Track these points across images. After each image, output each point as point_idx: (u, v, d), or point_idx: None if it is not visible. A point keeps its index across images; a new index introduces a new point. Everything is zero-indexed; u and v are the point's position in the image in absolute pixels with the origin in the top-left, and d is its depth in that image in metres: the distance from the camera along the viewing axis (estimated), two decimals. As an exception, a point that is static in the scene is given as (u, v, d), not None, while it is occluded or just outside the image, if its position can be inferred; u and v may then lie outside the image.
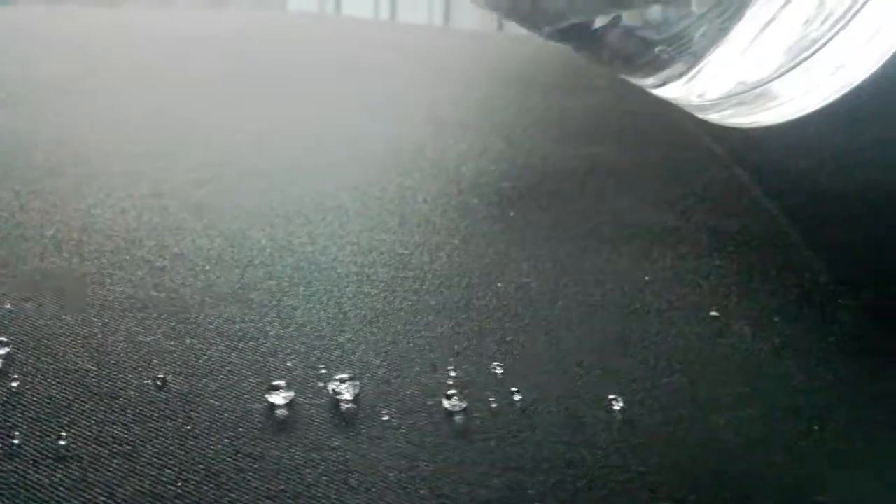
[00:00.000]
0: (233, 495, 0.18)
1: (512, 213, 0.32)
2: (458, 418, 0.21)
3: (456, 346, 0.24)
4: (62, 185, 0.32)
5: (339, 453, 0.20)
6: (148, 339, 0.23)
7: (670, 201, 0.33)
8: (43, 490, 0.18)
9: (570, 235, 0.30)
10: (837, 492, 0.19)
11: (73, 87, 0.44)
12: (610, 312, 0.26)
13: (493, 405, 0.21)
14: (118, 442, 0.19)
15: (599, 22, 0.29)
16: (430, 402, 0.21)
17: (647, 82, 0.31)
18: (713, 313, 0.26)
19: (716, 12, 0.27)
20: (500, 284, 0.27)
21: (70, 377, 0.21)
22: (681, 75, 0.29)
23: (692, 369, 0.23)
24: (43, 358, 0.22)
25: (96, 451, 0.19)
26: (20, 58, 0.49)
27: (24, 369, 0.22)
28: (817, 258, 0.29)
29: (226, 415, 0.20)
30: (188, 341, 0.23)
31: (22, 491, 0.18)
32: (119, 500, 0.18)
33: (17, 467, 0.19)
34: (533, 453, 0.20)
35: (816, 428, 0.21)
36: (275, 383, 0.21)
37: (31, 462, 0.19)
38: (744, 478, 0.20)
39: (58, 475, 0.19)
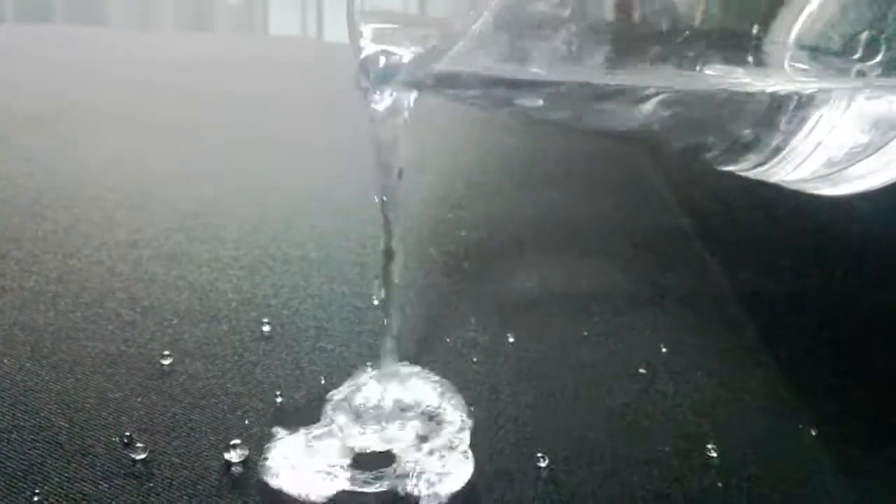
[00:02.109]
0: (189, 550, 0.20)
1: (466, 265, 0.34)
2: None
3: (402, 403, 0.26)
4: (42, 234, 0.34)
5: (287, 509, 0.22)
6: (116, 396, 0.25)
7: (615, 252, 0.36)
8: (17, 545, 0.20)
9: (518, 287, 0.33)
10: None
11: (58, 123, 0.45)
12: (546, 368, 0.28)
13: (431, 462, 0.23)
14: (87, 499, 0.21)
15: None
16: (373, 459, 0.23)
17: (729, 168, 0.32)
18: (641, 370, 0.28)
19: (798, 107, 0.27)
20: (448, 339, 0.29)
21: (44, 434, 0.23)
22: (765, 162, 0.29)
23: (615, 427, 0.25)
24: (19, 415, 0.24)
25: (66, 507, 0.21)
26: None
27: (2, 425, 0.24)
28: (745, 312, 0.31)
29: (185, 472, 0.23)
30: (154, 398, 0.25)
31: (-3, 546, 0.20)
32: (85, 555, 0.20)
33: (-7, 523, 0.21)
34: (463, 509, 0.22)
35: (721, 485, 0.23)
36: (232, 442, 0.23)
37: (6, 518, 0.21)
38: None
39: (30, 530, 0.21)
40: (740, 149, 0.29)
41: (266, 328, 0.29)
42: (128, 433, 0.23)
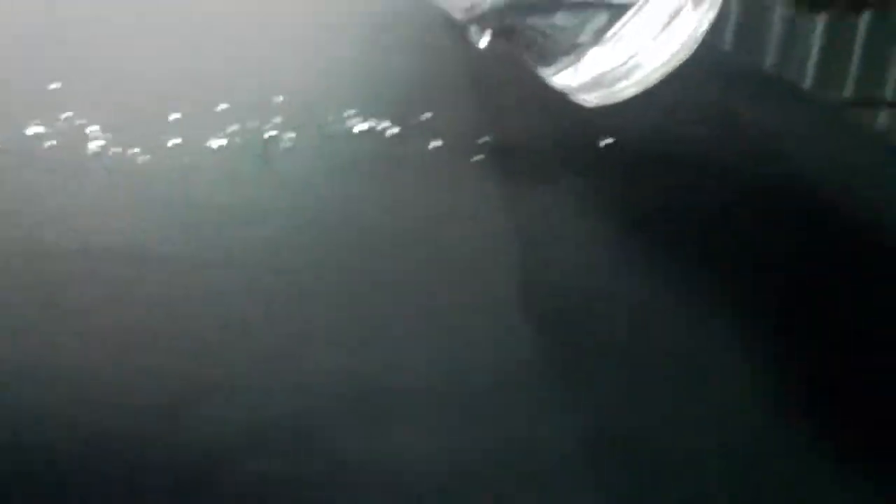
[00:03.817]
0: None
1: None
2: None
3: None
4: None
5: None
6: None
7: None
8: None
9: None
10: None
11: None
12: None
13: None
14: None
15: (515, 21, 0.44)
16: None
17: (545, 72, 0.43)
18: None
19: (590, 26, 0.40)
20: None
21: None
22: (568, 67, 0.42)
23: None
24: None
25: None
26: None
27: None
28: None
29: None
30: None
31: None
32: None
33: None
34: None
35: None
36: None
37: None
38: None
39: None
40: (550, 46, 0.41)
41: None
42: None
